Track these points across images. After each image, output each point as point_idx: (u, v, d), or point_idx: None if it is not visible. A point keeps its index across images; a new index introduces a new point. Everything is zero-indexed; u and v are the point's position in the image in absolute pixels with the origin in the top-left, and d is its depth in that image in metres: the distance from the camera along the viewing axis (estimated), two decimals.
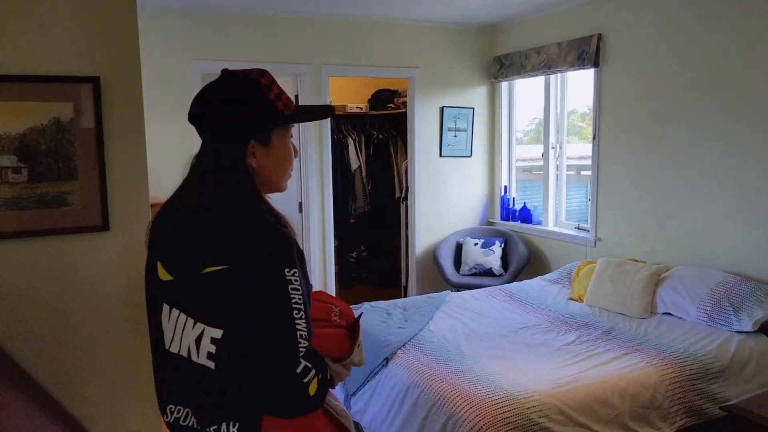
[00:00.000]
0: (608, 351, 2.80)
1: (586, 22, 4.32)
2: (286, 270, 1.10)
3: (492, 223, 5.51)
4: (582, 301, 3.64)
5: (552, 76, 4.87)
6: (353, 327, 1.35)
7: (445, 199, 5.35)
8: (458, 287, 4.75)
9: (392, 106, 6.30)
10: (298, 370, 1.10)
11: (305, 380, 1.11)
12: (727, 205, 3.38)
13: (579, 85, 4.78)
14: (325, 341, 1.24)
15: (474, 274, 4.94)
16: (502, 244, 5.01)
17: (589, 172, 4.88)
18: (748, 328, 2.82)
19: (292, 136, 1.29)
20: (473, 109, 5.39)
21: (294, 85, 4.78)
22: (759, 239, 3.22)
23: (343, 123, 6.32)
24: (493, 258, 4.92)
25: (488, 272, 4.90)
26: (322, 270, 4.91)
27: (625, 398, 2.44)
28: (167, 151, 4.16)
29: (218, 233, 1.15)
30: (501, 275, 4.86)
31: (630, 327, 3.13)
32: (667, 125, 3.74)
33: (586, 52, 4.30)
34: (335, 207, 5.29)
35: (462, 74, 5.32)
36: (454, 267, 5.05)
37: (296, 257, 1.13)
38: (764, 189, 3.18)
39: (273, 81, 1.23)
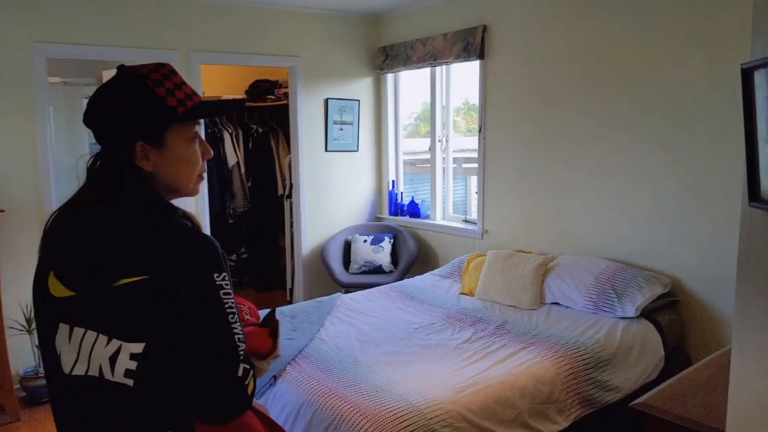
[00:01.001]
0: (504, 347, 2.74)
1: (471, 13, 4.28)
2: (216, 275, 1.08)
3: (381, 219, 5.38)
4: (473, 294, 3.59)
5: (438, 68, 4.81)
6: (268, 322, 1.38)
7: (332, 196, 5.13)
8: (348, 287, 4.56)
9: (273, 97, 5.97)
10: (240, 374, 1.11)
11: (246, 383, 1.12)
12: (608, 195, 3.47)
13: (464, 77, 4.76)
14: (251, 340, 1.23)
15: (364, 272, 4.77)
16: (392, 240, 4.89)
17: (472, 165, 4.89)
18: (631, 313, 2.88)
19: (197, 135, 1.21)
20: (359, 101, 5.21)
21: None
22: (637, 227, 3.33)
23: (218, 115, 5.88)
24: (382, 254, 4.77)
25: (378, 269, 4.75)
26: None
27: (525, 396, 2.38)
28: (6, 151, 3.57)
29: (131, 242, 1.10)
30: (391, 272, 4.73)
31: (522, 319, 3.10)
32: (550, 117, 3.78)
33: (471, 44, 4.26)
34: (211, 207, 4.88)
35: (346, 65, 5.12)
36: (344, 266, 4.85)
37: (223, 261, 1.11)
38: (641, 179, 3.29)
39: (168, 75, 1.15)
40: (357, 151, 5.26)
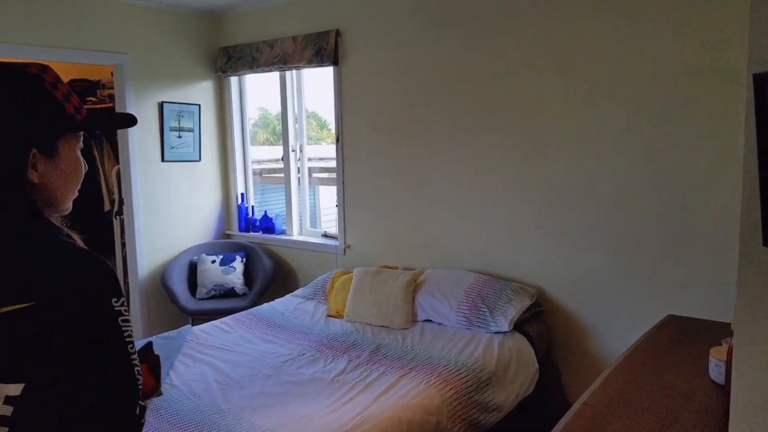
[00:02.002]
0: (384, 375, 2.53)
1: (322, 17, 4.05)
2: (114, 300, 0.97)
3: (230, 236, 4.92)
4: (342, 316, 3.35)
5: (288, 73, 4.50)
6: (145, 356, 1.27)
7: (171, 212, 4.57)
8: (196, 315, 4.07)
9: (94, 99, 5.20)
10: (138, 412, 0.98)
11: (142, 421, 0.99)
12: (471, 206, 3.44)
13: (316, 83, 4.51)
14: None
15: (214, 297, 4.30)
16: (244, 259, 4.47)
17: (321, 175, 4.67)
18: (505, 328, 2.85)
19: (81, 148, 1.10)
20: (199, 105, 4.71)
21: None
22: (500, 238, 3.33)
23: None
24: (234, 276, 4.34)
25: (230, 293, 4.31)
26: None
27: (413, 430, 2.18)
28: None
29: (12, 264, 0.96)
30: (245, 294, 4.32)
31: (396, 341, 2.92)
32: (411, 125, 3.67)
33: (324, 48, 4.02)
34: None
35: (184, 66, 4.60)
36: (189, 291, 4.33)
37: (119, 283, 0.99)
38: (504, 189, 3.29)
39: (59, 78, 1.05)
40: (199, 161, 4.75)
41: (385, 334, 3.04)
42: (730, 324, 2.17)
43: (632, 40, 2.77)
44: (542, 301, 3.16)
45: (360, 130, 3.96)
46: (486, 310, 2.94)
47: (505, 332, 2.86)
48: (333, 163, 4.75)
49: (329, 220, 4.73)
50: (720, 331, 2.09)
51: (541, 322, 3.07)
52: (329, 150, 4.69)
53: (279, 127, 5.04)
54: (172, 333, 3.18)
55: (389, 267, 3.62)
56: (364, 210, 4.01)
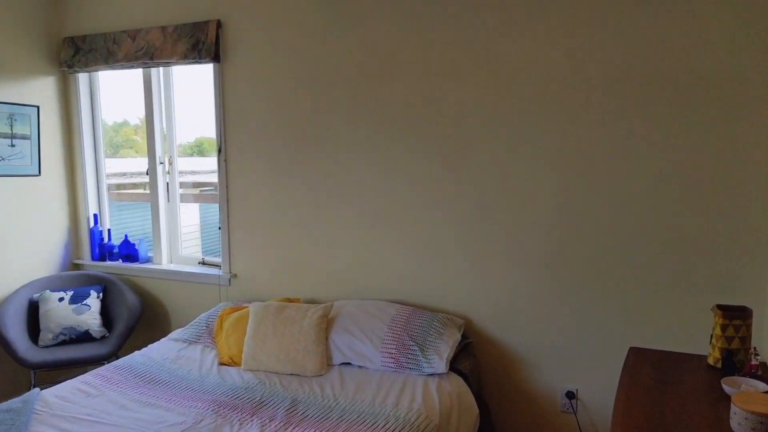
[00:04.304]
0: None
1: (199, 2, 3.46)
2: None
3: (80, 267, 4.08)
4: (238, 364, 2.81)
5: (153, 70, 3.83)
6: None
7: (2, 238, 3.66)
8: (40, 368, 3.26)
9: None
10: None
11: None
12: (384, 227, 3.08)
13: (187, 81, 3.88)
14: None
15: (63, 343, 3.49)
16: (100, 295, 3.70)
17: (195, 191, 4.07)
18: (442, 368, 2.51)
19: None
20: (38, 107, 3.86)
21: None
22: (419, 263, 3.01)
23: None
24: (89, 316, 3.56)
25: (84, 336, 3.53)
26: None
27: None
28: None
29: None
30: (104, 338, 3.56)
31: (314, 393, 2.46)
32: (310, 134, 3.23)
33: (202, 42, 3.44)
34: None
35: (17, 58, 3.73)
36: (30, 337, 3.47)
37: None
38: (422, 208, 2.98)
39: None
40: (38, 175, 3.88)
41: (297, 384, 2.56)
42: (699, 356, 2.05)
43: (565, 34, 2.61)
44: (469, 333, 2.89)
45: (248, 139, 3.44)
46: (416, 347, 2.59)
47: (440, 374, 2.53)
48: (212, 178, 4.15)
49: (190, 245, 4.10)
50: (697, 365, 1.95)
51: (470, 356, 2.78)
52: (202, 162, 4.08)
53: (136, 136, 4.33)
54: (15, 403, 2.41)
55: (290, 300, 3.13)
56: (253, 232, 3.48)
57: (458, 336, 2.68)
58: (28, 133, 3.81)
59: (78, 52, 3.88)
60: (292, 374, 2.66)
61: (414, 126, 2.95)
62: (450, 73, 2.83)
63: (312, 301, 3.30)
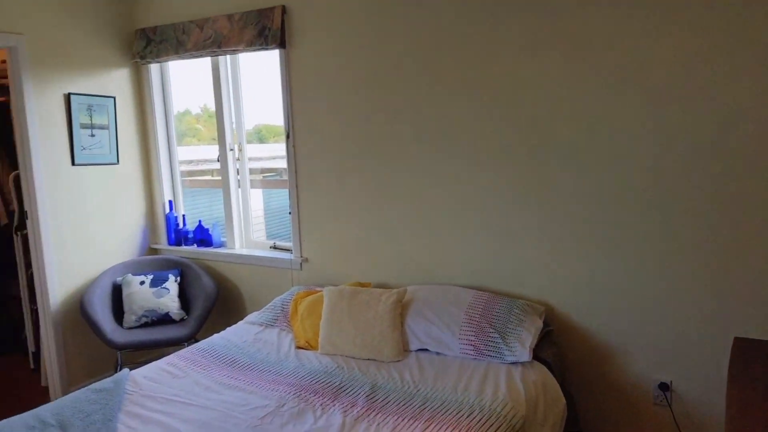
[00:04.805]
0: (397, 431, 2.04)
1: None
2: None
3: (157, 251, 4.23)
4: (315, 348, 2.84)
5: (221, 58, 3.88)
6: None
7: (87, 225, 3.83)
8: (126, 348, 3.40)
9: None
10: None
11: None
12: (458, 210, 3.03)
13: (255, 68, 3.91)
14: None
15: (145, 325, 3.63)
16: (178, 279, 3.82)
17: (257, 177, 4.11)
18: (525, 357, 2.45)
19: None
20: (114, 98, 3.98)
21: None
22: (495, 246, 2.94)
23: None
24: (168, 299, 3.69)
25: (165, 319, 3.66)
26: None
27: None
28: None
29: None
30: (183, 320, 3.68)
31: (392, 379, 2.46)
32: (379, 117, 3.20)
33: (268, 28, 3.45)
34: None
35: (94, 50, 3.85)
36: (115, 319, 3.63)
37: None
38: (500, 189, 2.91)
39: None
40: (117, 163, 4.03)
41: (375, 369, 2.56)
42: None
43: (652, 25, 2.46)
44: (550, 320, 2.81)
45: (315, 123, 3.43)
46: (496, 335, 2.54)
47: (523, 362, 2.47)
48: (273, 164, 4.20)
49: (256, 229, 4.16)
50: None
51: (552, 344, 2.71)
52: (271, 149, 4.13)
53: (198, 125, 4.43)
54: (107, 383, 2.52)
55: (361, 284, 3.14)
56: (322, 216, 3.50)
57: (540, 323, 2.61)
58: (106, 123, 3.95)
59: (149, 44, 3.98)
60: (369, 359, 2.67)
61: (491, 107, 2.85)
62: (529, 50, 2.71)
63: (383, 286, 3.29)
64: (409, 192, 3.16)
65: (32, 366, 4.16)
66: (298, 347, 2.87)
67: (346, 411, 2.19)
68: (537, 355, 2.53)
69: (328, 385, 2.42)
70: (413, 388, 2.35)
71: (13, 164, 4.11)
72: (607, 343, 2.72)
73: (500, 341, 2.52)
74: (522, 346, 2.47)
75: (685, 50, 2.39)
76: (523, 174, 2.81)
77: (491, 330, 2.57)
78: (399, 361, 2.63)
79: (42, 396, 3.78)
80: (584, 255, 2.71)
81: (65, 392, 3.67)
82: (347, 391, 2.36)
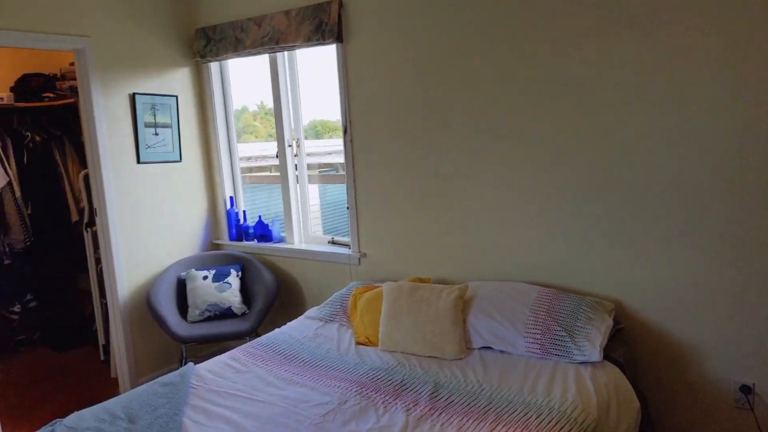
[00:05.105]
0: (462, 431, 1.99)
1: None
2: None
3: (219, 246, 4.30)
4: (375, 344, 2.81)
5: (279, 55, 3.89)
6: None
7: (152, 221, 3.93)
8: (190, 342, 3.47)
9: (51, 96, 4.51)
10: None
11: None
12: (520, 203, 2.92)
13: (310, 63, 3.91)
14: None
15: (208, 319, 3.70)
16: (240, 273, 3.88)
17: (314, 172, 4.10)
18: (596, 357, 2.34)
19: None
20: (176, 97, 4.07)
21: None
22: (559, 240, 2.82)
23: None
24: (230, 293, 3.75)
25: (227, 313, 3.72)
26: None
27: None
28: None
29: None
30: (244, 314, 3.73)
31: (455, 377, 2.39)
32: (437, 112, 3.12)
33: (325, 23, 3.43)
34: None
35: (156, 50, 3.94)
36: (180, 313, 3.72)
37: None
38: (566, 181, 2.78)
39: None
40: (180, 161, 4.12)
41: (437, 367, 2.51)
42: None
43: None
44: (620, 317, 2.68)
45: (372, 118, 3.39)
46: (564, 333, 2.43)
47: (593, 362, 2.36)
48: (329, 159, 4.20)
49: (312, 224, 4.16)
50: None
51: (623, 343, 2.58)
52: (327, 144, 4.13)
53: (255, 122, 4.47)
54: (172, 378, 2.58)
55: (421, 280, 3.08)
56: (380, 211, 3.46)
57: (610, 321, 2.49)
58: (169, 122, 4.04)
59: (209, 42, 4.03)
60: (430, 357, 2.62)
61: (553, 99, 2.73)
62: (592, 38, 2.58)
63: (442, 282, 3.23)
64: (468, 185, 3.08)
65: (102, 358, 4.33)
66: (358, 343, 2.85)
67: (408, 410, 2.15)
68: (607, 354, 2.41)
69: (390, 382, 2.39)
70: (477, 387, 2.28)
71: (83, 163, 4.27)
72: (683, 341, 2.56)
73: (568, 340, 2.41)
74: (592, 345, 2.36)
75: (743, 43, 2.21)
76: (592, 167, 2.68)
77: (558, 328, 2.46)
78: (461, 359, 2.56)
79: (112, 387, 3.92)
80: (658, 249, 2.56)
81: (133, 384, 3.79)
82: (409, 390, 2.31)
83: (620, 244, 2.64)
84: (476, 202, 3.06)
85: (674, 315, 2.56)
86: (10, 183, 4.30)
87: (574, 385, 2.19)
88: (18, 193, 4.35)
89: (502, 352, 2.57)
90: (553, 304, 2.58)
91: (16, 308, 4.62)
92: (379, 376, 2.45)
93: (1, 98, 4.23)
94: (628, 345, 2.63)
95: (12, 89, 4.52)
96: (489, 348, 2.62)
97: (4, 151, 4.32)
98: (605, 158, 2.63)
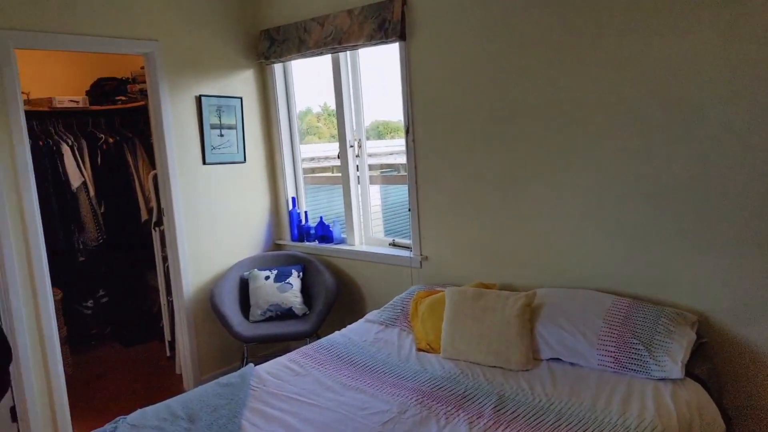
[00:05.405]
0: None
1: None
2: None
3: (281, 247, 4.32)
4: (436, 351, 2.71)
5: (341, 55, 3.86)
6: None
7: (217, 221, 3.99)
8: (252, 341, 3.48)
9: (123, 99, 4.66)
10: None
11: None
12: (591, 206, 2.76)
13: (371, 62, 3.86)
14: None
15: (269, 319, 3.71)
16: (301, 274, 3.87)
17: (375, 173, 4.04)
18: (676, 373, 2.16)
19: None
20: (241, 98, 4.11)
21: None
22: (636, 245, 2.64)
23: (52, 123, 4.47)
24: (291, 294, 3.74)
25: (288, 314, 3.72)
26: (36, 341, 3.16)
27: None
28: None
29: None
30: (305, 315, 3.72)
31: (522, 390, 2.27)
32: (503, 112, 3.00)
33: (388, 21, 3.37)
34: (50, 242, 3.56)
35: (221, 53, 3.99)
36: (242, 312, 3.74)
37: None
38: (635, 183, 2.60)
39: None
40: (244, 162, 4.16)
41: (502, 378, 2.39)
42: None
43: None
44: (704, 331, 2.47)
45: (435, 118, 3.30)
46: (641, 347, 2.26)
47: (673, 379, 2.18)
48: (391, 160, 4.13)
49: (378, 224, 4.10)
50: None
51: (706, 360, 2.38)
52: (388, 145, 4.07)
53: (318, 123, 4.46)
54: (232, 379, 2.57)
55: (485, 285, 2.97)
56: (442, 213, 3.36)
57: (692, 335, 2.29)
58: (234, 123, 4.09)
59: (273, 44, 4.05)
60: (495, 366, 2.50)
61: (632, 94, 2.56)
62: (673, 27, 2.39)
63: (508, 288, 3.09)
64: (535, 188, 2.93)
65: (168, 354, 4.43)
66: (419, 349, 2.76)
67: (471, 422, 2.05)
68: (689, 371, 2.22)
69: (452, 392, 2.29)
70: (545, 401, 2.15)
71: (153, 164, 4.38)
72: None
73: (646, 354, 2.24)
74: (672, 361, 2.18)
75: None
76: (674, 165, 2.48)
77: (635, 341, 2.29)
78: (528, 370, 2.43)
79: (176, 383, 4.00)
80: (751, 257, 2.33)
81: (197, 380, 3.85)
82: (472, 401, 2.21)
83: (708, 250, 2.43)
84: (545, 204, 2.91)
85: (764, 329, 2.33)
86: (84, 183, 4.47)
87: (653, 404, 2.02)
88: (92, 193, 4.52)
89: (572, 364, 2.42)
90: (629, 315, 2.41)
91: (89, 303, 4.81)
92: (440, 385, 2.36)
93: (77, 101, 4.41)
94: (713, 361, 2.41)
95: (87, 93, 4.70)
96: (558, 359, 2.47)
97: (80, 152, 4.49)
98: (694, 154, 2.43)
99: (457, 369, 2.51)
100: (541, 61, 2.81)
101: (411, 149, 3.47)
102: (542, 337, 2.50)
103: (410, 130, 3.45)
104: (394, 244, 3.80)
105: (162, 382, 4.06)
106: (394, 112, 3.75)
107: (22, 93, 4.21)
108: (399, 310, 3.11)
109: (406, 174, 3.53)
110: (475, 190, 3.19)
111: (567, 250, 2.86)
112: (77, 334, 4.69)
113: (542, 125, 2.86)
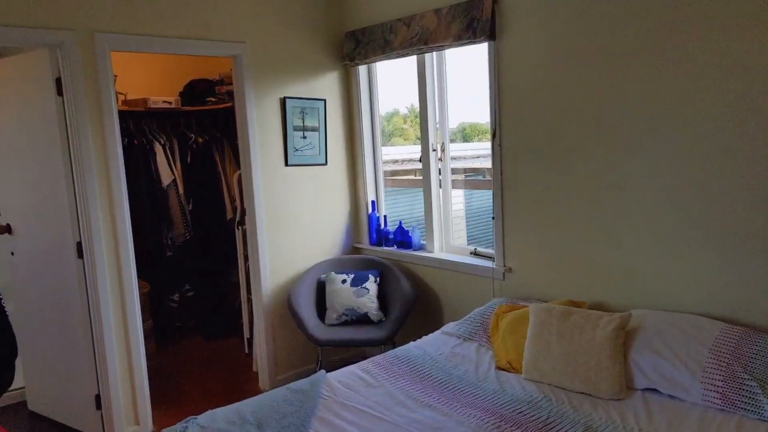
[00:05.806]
0: None
1: None
2: None
3: (359, 250, 4.27)
4: (518, 371, 2.53)
5: (427, 56, 3.75)
6: None
7: (297, 223, 3.99)
8: (326, 344, 3.44)
9: (213, 100, 4.78)
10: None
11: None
12: (692, 219, 2.48)
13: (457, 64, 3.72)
14: None
15: (345, 323, 3.65)
16: (378, 279, 3.79)
17: (458, 177, 3.87)
18: None
19: None
20: (324, 100, 4.09)
21: (51, 62, 3.06)
22: (750, 270, 2.34)
23: (146, 123, 4.65)
24: (367, 299, 3.67)
25: (363, 319, 3.65)
26: (121, 333, 3.27)
27: None
28: None
29: None
30: (381, 321, 3.63)
31: (612, 421, 2.05)
32: (599, 117, 2.77)
33: (477, 20, 3.21)
34: (143, 238, 3.69)
35: (306, 55, 3.99)
36: (318, 314, 3.71)
37: None
38: (744, 194, 2.31)
39: None
40: (325, 164, 4.14)
41: (590, 406, 2.18)
42: None
43: None
44: None
45: (525, 122, 3.11)
46: (754, 383, 1.99)
47: None
48: (477, 163, 3.98)
49: (460, 231, 3.94)
50: None
51: None
52: (474, 148, 3.91)
53: (405, 125, 4.37)
54: (302, 385, 2.52)
55: (574, 303, 2.75)
56: (529, 223, 3.17)
57: None
58: (317, 125, 4.07)
59: (358, 45, 4.00)
60: (582, 393, 2.29)
61: (742, 92, 2.27)
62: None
63: (599, 307, 2.86)
64: (636, 199, 2.68)
65: (246, 351, 4.49)
66: (499, 368, 2.59)
67: None
68: None
69: (533, 418, 2.11)
70: None
71: (239, 164, 4.46)
72: None
73: (759, 392, 1.96)
74: None
75: None
76: None
77: (746, 376, 2.02)
78: (620, 400, 2.21)
79: (252, 381, 4.04)
80: None
81: (272, 380, 3.86)
82: (556, 429, 2.02)
83: None
84: (643, 218, 2.66)
85: None
86: (174, 181, 4.62)
87: None
88: (181, 191, 4.66)
89: (671, 397, 2.17)
90: (741, 346, 2.13)
91: (175, 297, 4.97)
92: (521, 409, 2.18)
93: (170, 102, 4.57)
94: None
95: (180, 94, 4.87)
96: (654, 390, 2.23)
97: (171, 151, 4.65)
98: None
99: (540, 392, 2.32)
100: (642, 60, 2.57)
101: (497, 153, 3.30)
102: (637, 364, 2.27)
103: (497, 133, 3.28)
104: (475, 254, 3.63)
105: (240, 379, 4.11)
106: (483, 115, 3.60)
107: (121, 94, 4.43)
108: (478, 324, 2.95)
109: (491, 179, 3.37)
110: (566, 199, 2.97)
111: (668, 268, 2.59)
112: (163, 326, 4.86)
113: (642, 136, 2.61)
